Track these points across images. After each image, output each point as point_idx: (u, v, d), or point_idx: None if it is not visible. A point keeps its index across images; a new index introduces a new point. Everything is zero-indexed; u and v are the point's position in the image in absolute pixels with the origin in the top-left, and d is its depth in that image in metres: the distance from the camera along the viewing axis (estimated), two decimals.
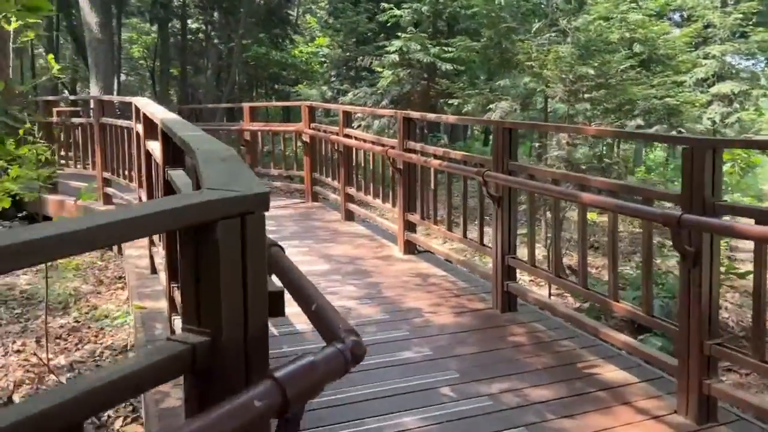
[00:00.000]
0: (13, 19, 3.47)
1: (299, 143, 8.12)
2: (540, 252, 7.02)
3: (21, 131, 4.40)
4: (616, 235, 3.31)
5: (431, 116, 5.47)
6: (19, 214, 7.86)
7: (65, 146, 8.12)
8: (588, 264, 3.81)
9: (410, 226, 5.56)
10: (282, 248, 2.88)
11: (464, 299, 4.47)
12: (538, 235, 7.41)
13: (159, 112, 3.78)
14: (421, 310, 4.21)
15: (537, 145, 8.01)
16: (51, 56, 5.03)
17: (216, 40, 21.13)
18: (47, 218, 7.69)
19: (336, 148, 6.97)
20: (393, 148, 5.67)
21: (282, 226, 6.65)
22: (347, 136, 6.79)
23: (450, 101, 9.01)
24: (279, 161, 8.75)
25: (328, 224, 6.79)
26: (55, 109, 10.08)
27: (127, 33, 28.70)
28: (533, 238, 4.09)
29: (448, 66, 9.47)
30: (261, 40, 20.90)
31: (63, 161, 8.08)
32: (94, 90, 12.54)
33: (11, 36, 5.53)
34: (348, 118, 6.97)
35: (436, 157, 5.07)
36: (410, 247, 5.58)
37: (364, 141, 6.49)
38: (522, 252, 4.41)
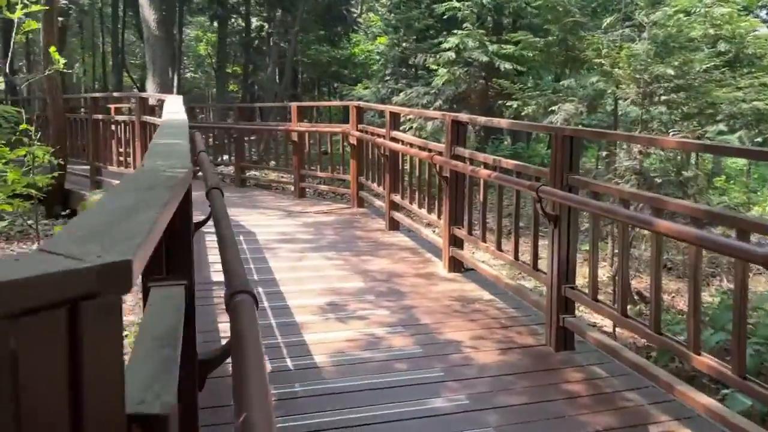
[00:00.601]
0: (19, 7, 3.15)
1: (347, 145, 7.67)
2: (604, 272, 6.32)
3: (18, 132, 4.12)
4: (699, 276, 2.66)
5: (481, 119, 4.89)
6: (63, 213, 7.77)
7: (106, 143, 7.98)
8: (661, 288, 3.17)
9: (456, 242, 5.00)
10: (221, 191, 2.72)
11: (512, 331, 3.88)
12: (603, 251, 6.68)
13: (168, 113, 3.41)
14: (460, 344, 3.66)
15: (605, 153, 7.26)
16: (53, 48, 4.76)
17: (276, 38, 21.01)
18: None
19: (382, 152, 6.48)
20: (440, 154, 5.13)
21: (320, 235, 6.20)
22: (394, 139, 6.28)
23: (509, 103, 8.34)
24: (326, 164, 8.34)
25: (369, 234, 6.30)
26: (113, 106, 10.06)
27: (195, 30, 29.20)
28: (595, 267, 3.47)
29: (508, 65, 8.78)
30: (321, 38, 20.68)
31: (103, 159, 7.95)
32: (151, 87, 12.53)
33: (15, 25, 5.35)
34: (396, 120, 6.46)
35: (486, 166, 4.50)
36: (456, 265, 5.03)
37: (411, 145, 5.96)
38: (583, 271, 3.79)
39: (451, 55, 9.20)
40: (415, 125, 9.42)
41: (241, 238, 5.89)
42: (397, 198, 6.28)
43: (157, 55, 12.57)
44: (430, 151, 5.47)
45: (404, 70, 12.63)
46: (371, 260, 5.34)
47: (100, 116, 7.82)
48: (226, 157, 10.53)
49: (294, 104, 8.60)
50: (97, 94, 8.60)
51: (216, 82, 23.82)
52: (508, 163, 4.15)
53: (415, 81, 11.53)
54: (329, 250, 5.59)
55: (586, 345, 3.61)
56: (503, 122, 5.06)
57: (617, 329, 5.05)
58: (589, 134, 4.56)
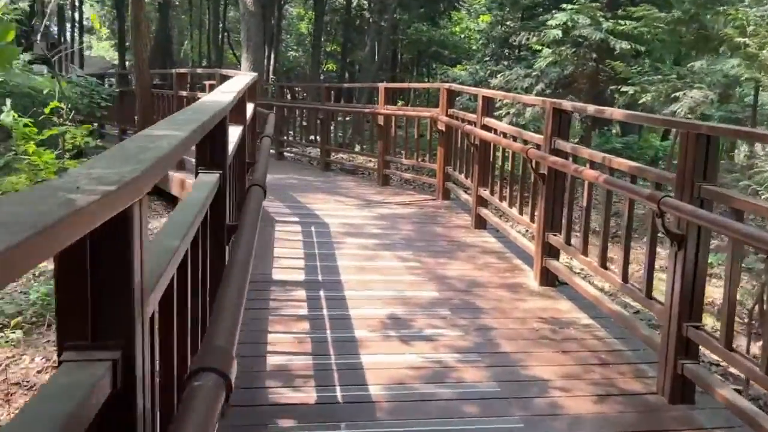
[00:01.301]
0: None
1: (436, 131, 7.04)
2: (739, 296, 5.34)
3: (47, 109, 3.83)
4: None
5: (590, 109, 4.06)
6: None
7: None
8: None
9: (551, 251, 4.29)
10: (264, 190, 2.72)
11: (614, 371, 3.16)
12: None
13: (217, 92, 3.01)
14: (547, 384, 2.99)
15: (744, 155, 6.15)
16: (94, 17, 4.46)
17: (376, 16, 20.47)
18: (172, 196, 7.43)
19: (471, 140, 5.80)
20: (537, 147, 4.41)
21: (397, 230, 5.65)
22: (485, 127, 5.59)
23: (624, 88, 7.33)
24: (413, 150, 7.77)
25: (452, 232, 5.67)
26: (207, 83, 9.95)
27: (297, 8, 29.22)
28: (732, 305, 2.68)
29: (625, 44, 7.68)
30: (422, 16, 19.93)
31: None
32: (245, 64, 12.40)
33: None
34: (489, 105, 5.75)
35: (592, 165, 3.74)
36: (549, 277, 4.32)
37: (504, 135, 5.26)
38: (711, 295, 2.99)
39: (558, 33, 8.24)
40: (512, 111, 8.59)
41: (313, 229, 5.45)
42: (485, 193, 5.60)
43: (251, 32, 12.40)
44: (525, 142, 4.76)
45: (506, 50, 11.73)
46: (450, 264, 4.73)
47: (184, 93, 7.64)
48: (312, 138, 10.20)
49: (382, 85, 8.05)
50: (182, 70, 8.47)
51: (311, 60, 23.61)
52: (622, 163, 3.38)
53: (516, 63, 10.62)
54: (405, 249, 5.02)
55: (710, 399, 2.84)
56: (618, 113, 4.10)
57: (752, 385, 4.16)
58: (733, 133, 3.63)
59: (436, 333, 3.47)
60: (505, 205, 5.18)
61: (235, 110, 3.78)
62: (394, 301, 3.89)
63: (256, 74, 5.54)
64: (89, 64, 31.09)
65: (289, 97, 19.34)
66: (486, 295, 4.12)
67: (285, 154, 10.49)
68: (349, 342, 3.30)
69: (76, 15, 29.96)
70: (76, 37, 31.07)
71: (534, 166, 4.36)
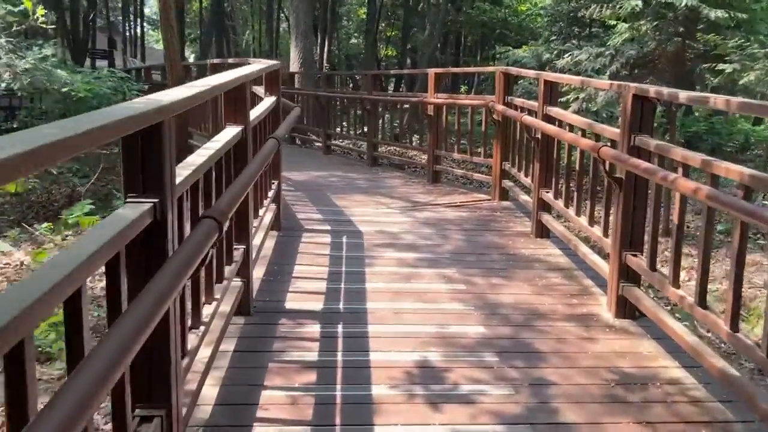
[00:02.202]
0: None
1: (492, 122, 6.17)
2: None
3: None
4: None
5: (683, 96, 3.05)
6: None
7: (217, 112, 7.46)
8: None
9: (631, 275, 3.41)
10: (279, 143, 3.61)
11: None
12: None
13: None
14: None
15: None
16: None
17: None
18: None
19: (532, 134, 4.93)
20: (611, 144, 3.53)
21: (444, 239, 4.86)
22: (548, 117, 4.71)
23: (721, 66, 6.17)
24: (466, 144, 6.93)
25: (509, 241, 4.84)
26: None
27: None
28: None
29: (720, 13, 6.46)
30: None
31: None
32: (293, 53, 11.84)
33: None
34: (552, 92, 4.85)
35: (685, 170, 2.83)
36: (627, 308, 3.45)
37: (570, 127, 4.38)
38: None
39: (637, 4, 7.12)
40: (581, 95, 7.56)
41: (344, 240, 4.74)
42: (548, 196, 4.74)
43: (300, 17, 11.82)
44: (598, 137, 3.88)
45: (575, 28, 10.59)
46: (505, 286, 3.91)
47: None
48: (359, 130, 9.50)
49: (432, 71, 7.22)
50: (215, 60, 7.96)
51: (365, 46, 22.67)
52: (732, 171, 2.46)
53: (587, 41, 9.52)
54: (450, 265, 4.24)
55: None
56: (721, 101, 2.99)
57: None
58: None
59: (476, 390, 2.69)
60: (571, 212, 4.31)
61: (232, 106, 3.13)
62: (430, 341, 3.13)
63: (275, 63, 4.86)
64: (156, 56, 31.56)
65: (342, 86, 18.74)
66: (547, 330, 3.30)
67: (333, 147, 9.81)
68: (363, 405, 2.56)
69: (144, 9, 30.43)
70: (145, 30, 31.60)
71: (607, 168, 3.48)
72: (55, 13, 16.01)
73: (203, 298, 2.50)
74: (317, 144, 10.08)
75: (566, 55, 8.20)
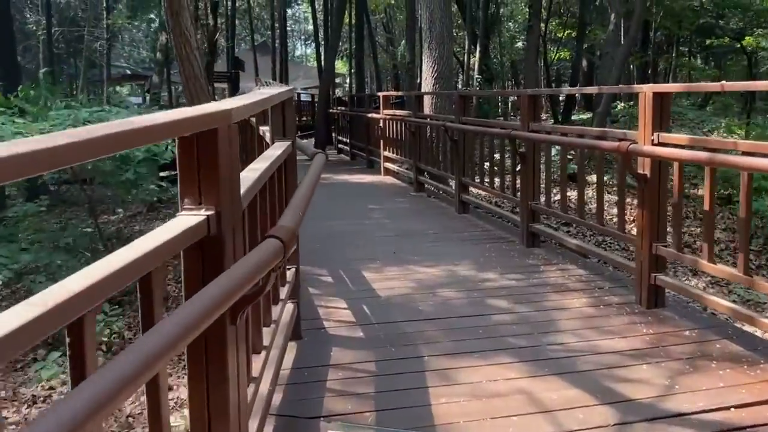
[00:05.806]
0: None
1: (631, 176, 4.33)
2: None
3: None
4: None
5: None
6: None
7: None
8: None
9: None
10: (326, 155, 3.25)
11: None
12: None
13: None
14: None
15: None
16: None
17: None
18: None
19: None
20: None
21: (485, 309, 3.56)
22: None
23: None
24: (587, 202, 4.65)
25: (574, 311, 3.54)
26: None
27: None
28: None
29: None
30: None
31: None
32: (426, 63, 9.25)
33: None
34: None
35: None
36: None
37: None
38: None
39: None
40: None
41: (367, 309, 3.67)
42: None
43: (434, 16, 8.90)
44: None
45: None
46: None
47: None
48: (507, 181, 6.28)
49: (525, 93, 5.22)
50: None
51: (525, 46, 18.36)
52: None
53: None
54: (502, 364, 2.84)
55: None
56: None
57: None
58: None
59: None
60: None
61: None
62: None
63: (283, 89, 3.16)
64: (309, 75, 29.42)
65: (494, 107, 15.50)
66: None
67: (426, 186, 7.94)
68: None
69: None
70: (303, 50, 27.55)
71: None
72: None
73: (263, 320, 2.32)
74: (451, 195, 6.97)
75: None
